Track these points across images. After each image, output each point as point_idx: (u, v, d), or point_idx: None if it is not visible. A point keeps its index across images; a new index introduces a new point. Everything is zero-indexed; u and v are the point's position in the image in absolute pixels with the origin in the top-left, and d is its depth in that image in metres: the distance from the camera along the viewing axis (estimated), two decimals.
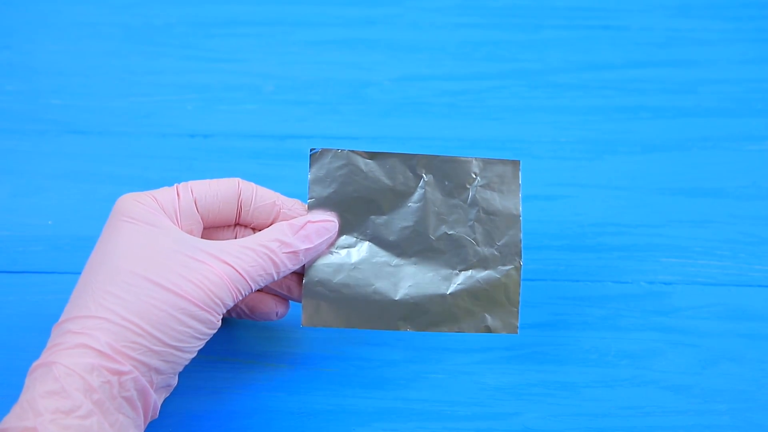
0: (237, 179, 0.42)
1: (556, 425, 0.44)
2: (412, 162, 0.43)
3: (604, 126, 0.56)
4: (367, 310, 0.43)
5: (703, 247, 0.50)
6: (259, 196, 0.42)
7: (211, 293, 0.38)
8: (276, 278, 0.41)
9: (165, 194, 0.41)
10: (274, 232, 0.41)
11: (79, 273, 0.40)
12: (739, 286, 0.49)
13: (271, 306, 0.44)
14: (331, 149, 0.43)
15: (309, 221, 0.42)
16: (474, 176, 0.44)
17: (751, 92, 0.57)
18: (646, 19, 0.61)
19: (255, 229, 0.43)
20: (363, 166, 0.43)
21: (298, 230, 0.41)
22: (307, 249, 0.41)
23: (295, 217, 0.42)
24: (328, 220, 0.42)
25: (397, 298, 0.43)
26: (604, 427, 0.44)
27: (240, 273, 0.39)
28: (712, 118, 0.56)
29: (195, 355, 0.40)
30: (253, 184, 0.43)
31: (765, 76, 0.58)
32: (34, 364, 0.37)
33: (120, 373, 0.36)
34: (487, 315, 0.43)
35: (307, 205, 0.43)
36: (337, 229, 0.43)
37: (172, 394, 0.41)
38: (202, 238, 0.43)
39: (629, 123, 0.56)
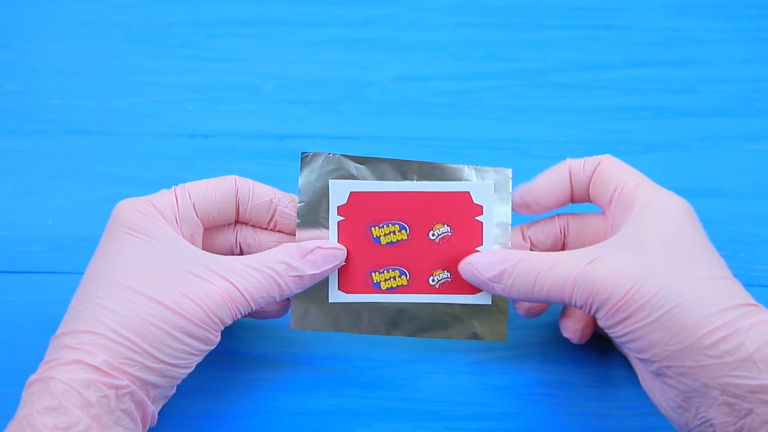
0: (233, 177, 0.42)
1: (556, 425, 0.44)
2: (403, 168, 0.43)
3: (604, 126, 0.56)
4: (355, 316, 0.43)
5: None
6: (256, 194, 0.42)
7: (211, 312, 0.38)
8: (278, 300, 0.40)
9: (164, 200, 0.41)
10: (281, 254, 0.40)
11: (80, 273, 0.40)
12: None
13: (272, 305, 0.43)
14: (323, 153, 0.43)
15: (319, 247, 0.41)
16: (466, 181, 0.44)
17: (751, 92, 0.57)
18: (646, 19, 0.61)
19: (255, 226, 0.43)
20: (354, 171, 0.43)
21: (306, 254, 0.41)
22: (313, 274, 0.41)
23: (301, 240, 0.42)
24: (338, 247, 0.42)
25: (385, 303, 0.43)
26: (604, 427, 0.44)
27: (242, 293, 0.39)
28: (712, 118, 0.56)
29: (193, 368, 0.40)
30: (249, 180, 0.42)
31: (765, 76, 0.58)
32: (31, 378, 0.37)
33: (117, 387, 0.36)
34: (475, 322, 0.43)
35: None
36: (344, 258, 0.42)
37: (173, 394, 0.41)
38: (204, 238, 0.43)
39: (629, 123, 0.56)
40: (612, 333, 0.39)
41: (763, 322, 0.36)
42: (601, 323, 0.39)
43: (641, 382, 0.41)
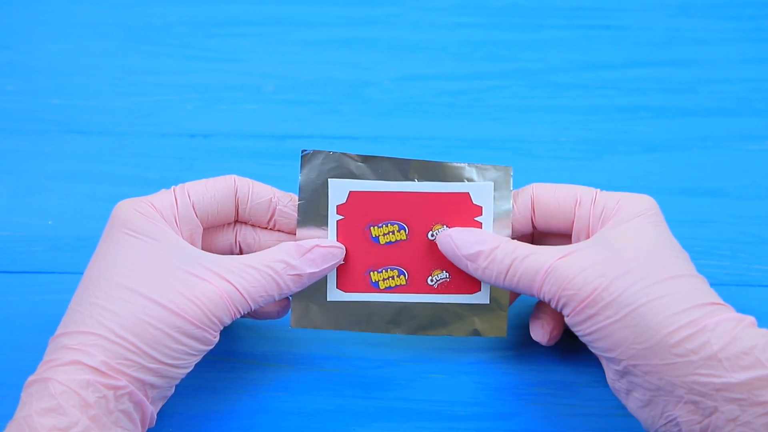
0: (233, 177, 0.42)
1: (556, 425, 0.44)
2: (404, 166, 0.43)
3: (604, 126, 0.56)
4: (355, 314, 0.43)
5: (703, 247, 0.50)
6: (255, 193, 0.42)
7: (209, 312, 0.38)
8: (276, 299, 0.40)
9: (163, 200, 0.40)
10: (280, 253, 0.40)
11: (79, 273, 0.40)
12: (739, 285, 0.49)
13: (271, 305, 0.43)
14: (323, 151, 0.43)
15: (317, 245, 0.41)
16: (466, 182, 0.44)
17: (751, 92, 0.57)
18: (646, 19, 0.61)
19: (254, 226, 0.43)
20: (354, 169, 0.43)
21: (305, 253, 0.41)
22: (311, 273, 0.41)
23: (302, 239, 0.42)
24: (336, 246, 0.42)
25: (385, 302, 0.43)
26: (604, 427, 0.44)
27: (241, 292, 0.39)
28: (712, 118, 0.56)
29: (191, 369, 0.40)
30: (248, 180, 0.42)
31: (765, 75, 0.58)
32: (30, 378, 0.37)
33: (116, 388, 0.36)
34: (475, 318, 0.43)
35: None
36: (343, 257, 0.42)
37: (172, 394, 0.41)
38: (203, 238, 0.43)
39: (629, 123, 0.56)
40: (578, 331, 0.39)
41: (728, 320, 0.37)
42: (567, 321, 0.39)
43: (608, 382, 0.41)
